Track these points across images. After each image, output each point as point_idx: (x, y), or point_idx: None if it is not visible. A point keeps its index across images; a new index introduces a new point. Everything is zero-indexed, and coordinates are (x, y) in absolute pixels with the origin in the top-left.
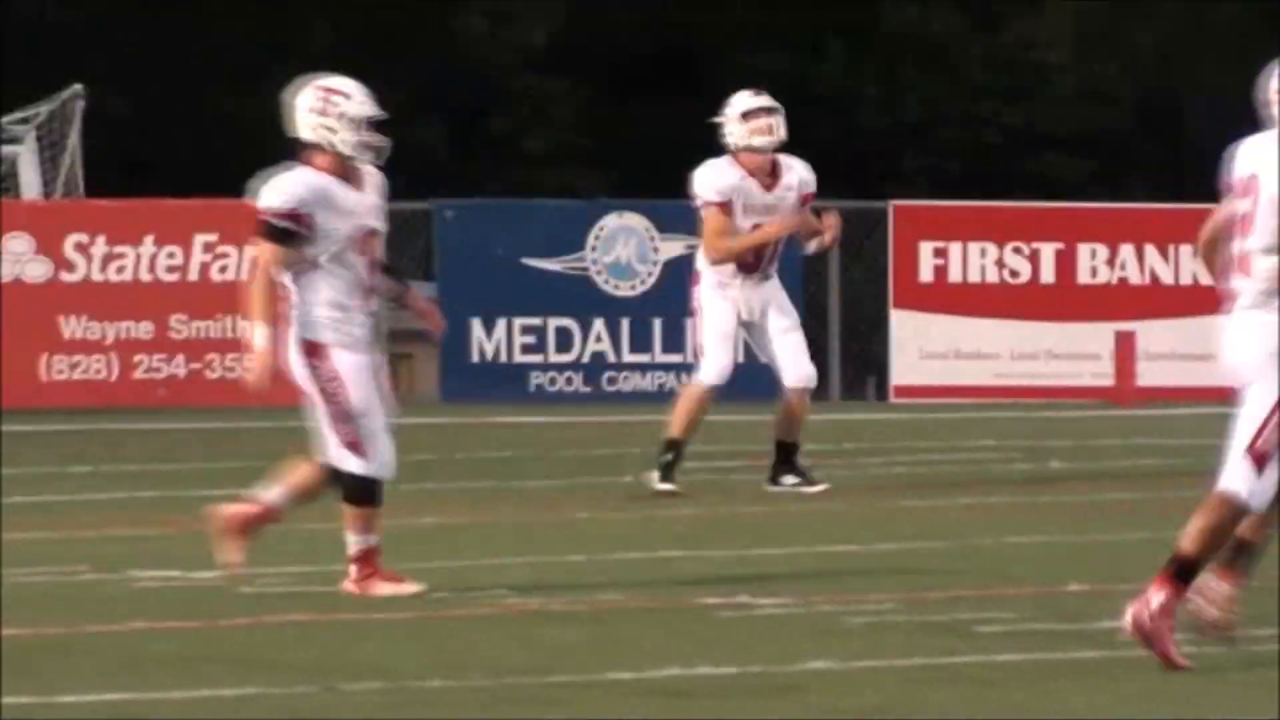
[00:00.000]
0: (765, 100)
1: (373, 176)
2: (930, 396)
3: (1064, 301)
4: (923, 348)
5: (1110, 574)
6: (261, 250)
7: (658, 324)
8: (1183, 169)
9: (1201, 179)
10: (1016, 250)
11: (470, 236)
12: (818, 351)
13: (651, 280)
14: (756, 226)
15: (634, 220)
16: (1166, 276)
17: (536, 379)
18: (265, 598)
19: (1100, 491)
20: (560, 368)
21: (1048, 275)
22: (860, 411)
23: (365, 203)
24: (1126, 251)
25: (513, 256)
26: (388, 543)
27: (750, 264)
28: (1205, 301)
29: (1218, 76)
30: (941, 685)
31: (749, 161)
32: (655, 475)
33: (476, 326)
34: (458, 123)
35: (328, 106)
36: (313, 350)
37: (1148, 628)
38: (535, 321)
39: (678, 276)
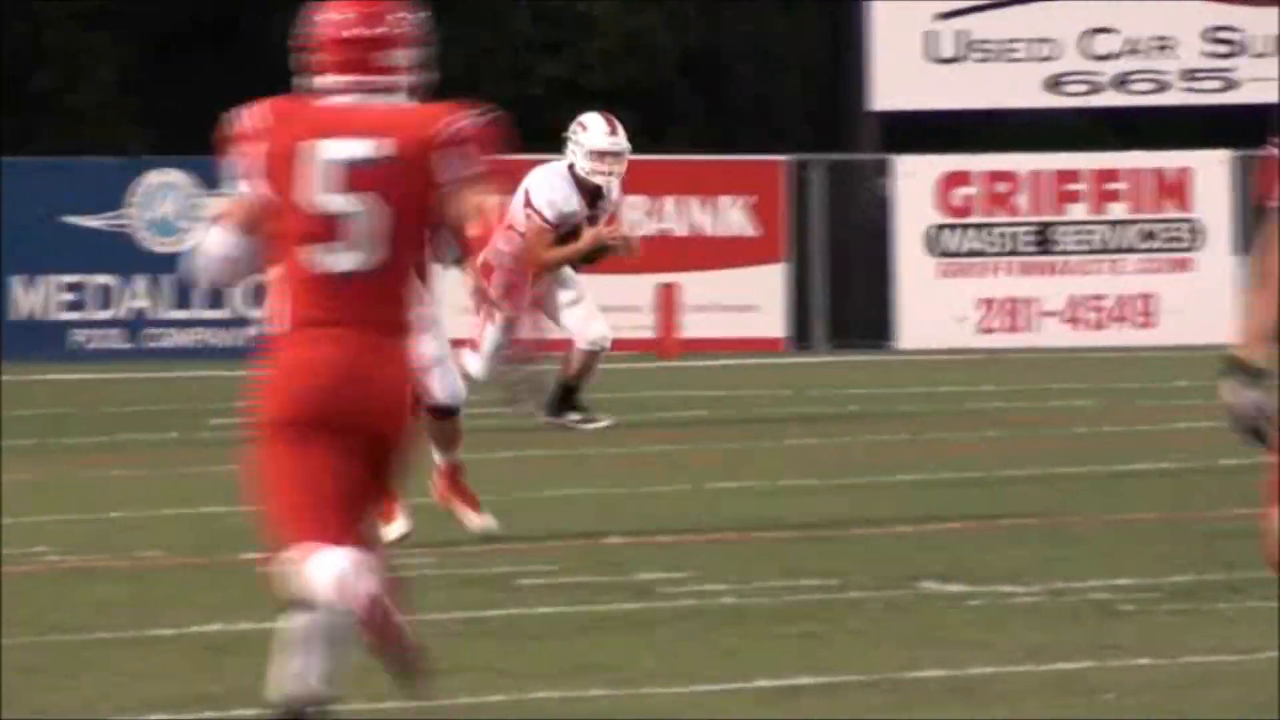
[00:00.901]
0: (618, 144)
1: None
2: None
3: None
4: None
5: (650, 525)
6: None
7: None
8: (726, 122)
9: (744, 132)
10: None
11: (9, 194)
12: None
13: (192, 237)
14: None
15: (175, 177)
16: (708, 228)
17: (77, 336)
18: None
19: (642, 444)
20: (101, 325)
21: None
22: None
23: None
24: (669, 204)
25: (53, 214)
26: None
27: None
28: (746, 253)
29: (761, 31)
30: (481, 639)
31: (582, 183)
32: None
33: (16, 284)
34: None
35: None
36: None
37: None
38: (76, 279)
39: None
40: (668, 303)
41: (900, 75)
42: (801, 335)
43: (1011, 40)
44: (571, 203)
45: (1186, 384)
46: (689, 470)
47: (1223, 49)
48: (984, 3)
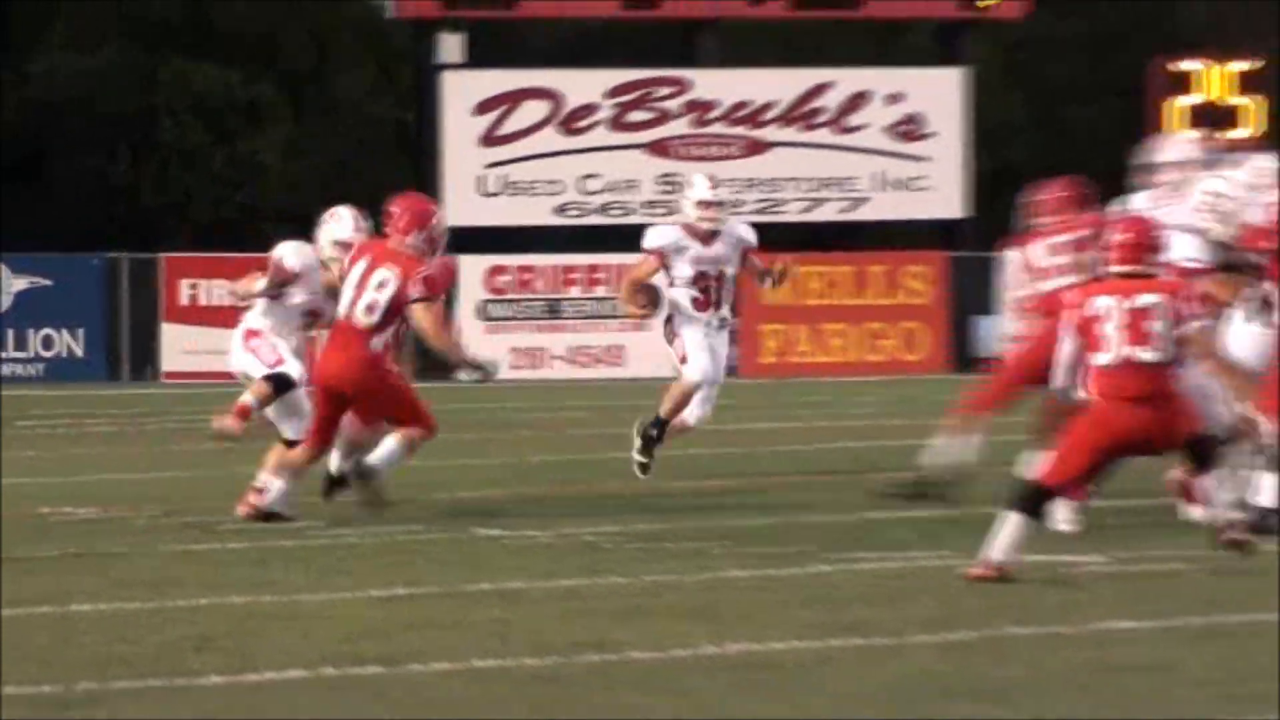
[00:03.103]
0: (714, 195)
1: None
2: None
3: None
4: None
5: None
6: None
7: None
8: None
9: None
10: None
11: None
12: None
13: None
14: (703, 273)
15: None
16: None
17: None
18: None
19: None
20: None
21: None
22: None
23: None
24: None
25: None
26: None
27: (702, 301)
28: None
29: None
30: None
31: (692, 229)
32: (638, 444)
33: None
34: None
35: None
36: None
37: None
38: None
39: None
40: None
41: (462, 201)
42: None
43: (533, 181)
44: (670, 235)
45: (637, 404)
46: None
47: (669, 188)
48: (515, 158)
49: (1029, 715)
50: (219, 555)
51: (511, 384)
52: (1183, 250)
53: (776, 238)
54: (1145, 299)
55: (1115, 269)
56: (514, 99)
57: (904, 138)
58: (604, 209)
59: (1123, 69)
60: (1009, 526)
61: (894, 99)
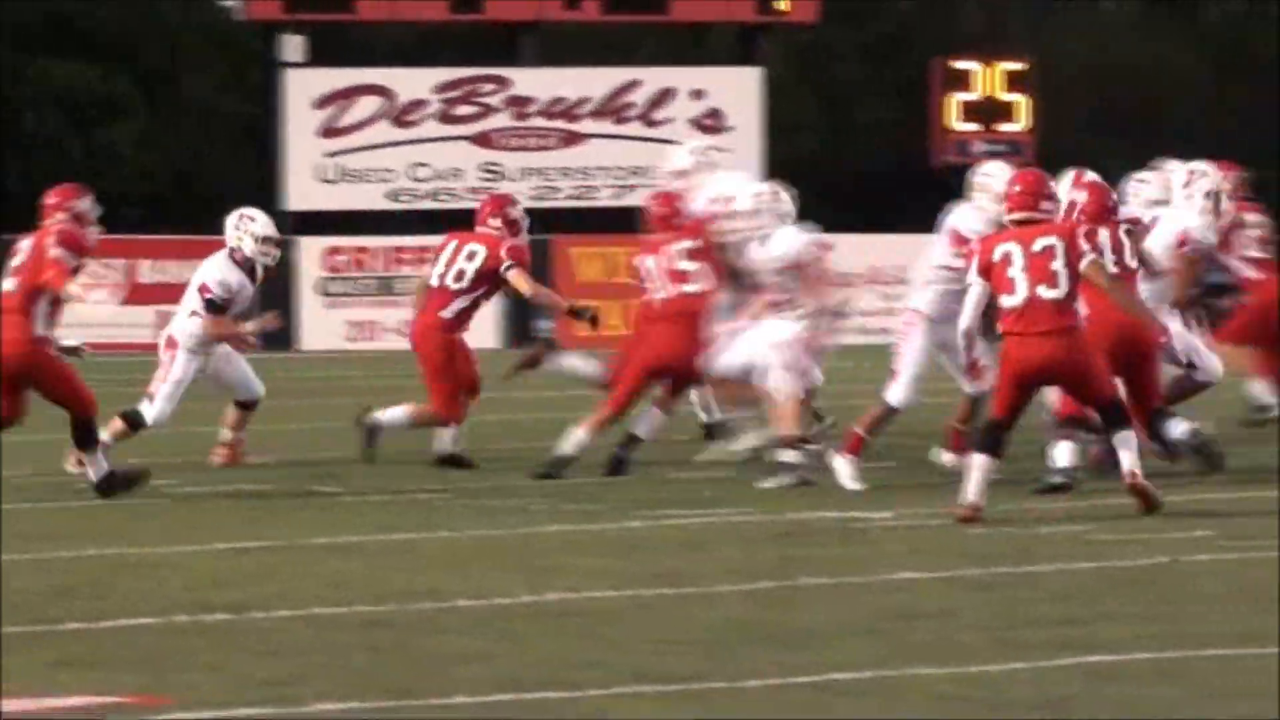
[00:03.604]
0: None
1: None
2: None
3: None
4: None
5: None
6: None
7: None
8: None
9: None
10: None
11: None
12: None
13: None
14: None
15: None
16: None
17: None
18: None
19: None
20: None
21: None
22: None
23: None
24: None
25: None
26: None
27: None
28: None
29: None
30: None
31: None
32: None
33: None
34: None
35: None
36: None
37: None
38: None
39: None
40: None
41: (303, 188)
42: None
43: (367, 170)
44: None
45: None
46: None
47: (491, 176)
48: (356, 148)
49: (824, 659)
50: (79, 510)
51: (347, 354)
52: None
53: (592, 222)
54: (1043, 241)
55: (1012, 216)
56: (351, 95)
57: (706, 130)
58: (433, 195)
59: (904, 69)
60: (977, 467)
61: (697, 95)
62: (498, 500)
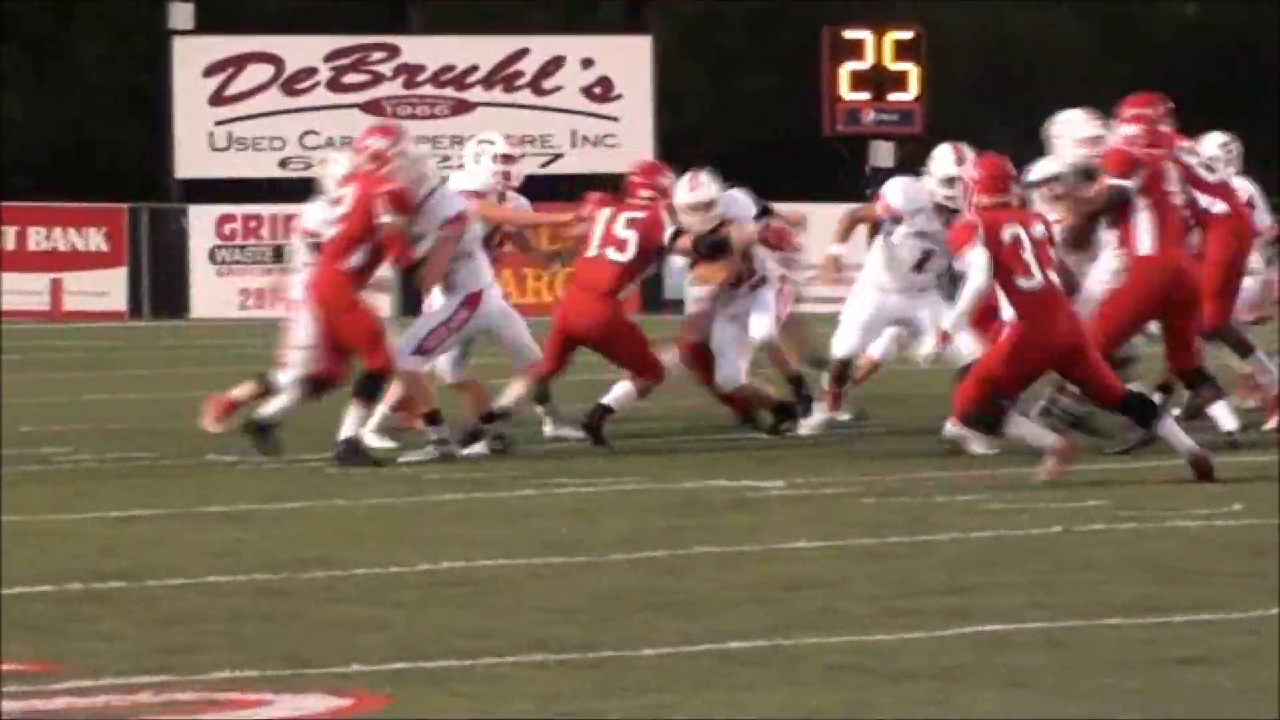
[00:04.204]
0: (511, 149)
1: None
2: None
3: None
4: None
5: None
6: None
7: None
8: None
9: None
10: None
11: None
12: None
13: None
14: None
15: None
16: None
17: None
18: None
19: None
20: None
21: None
22: None
23: None
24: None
25: None
26: None
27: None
28: (101, 261)
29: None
30: None
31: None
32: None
33: None
34: None
35: None
36: None
37: None
38: None
39: None
40: None
41: (193, 156)
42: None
43: (258, 137)
44: None
45: None
46: None
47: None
48: (246, 115)
49: (712, 627)
50: None
51: (240, 322)
52: None
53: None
54: (1039, 227)
55: (983, 201)
56: (240, 62)
57: (596, 99)
58: (324, 163)
59: (788, 40)
60: (1027, 426)
61: (587, 64)
62: (389, 469)
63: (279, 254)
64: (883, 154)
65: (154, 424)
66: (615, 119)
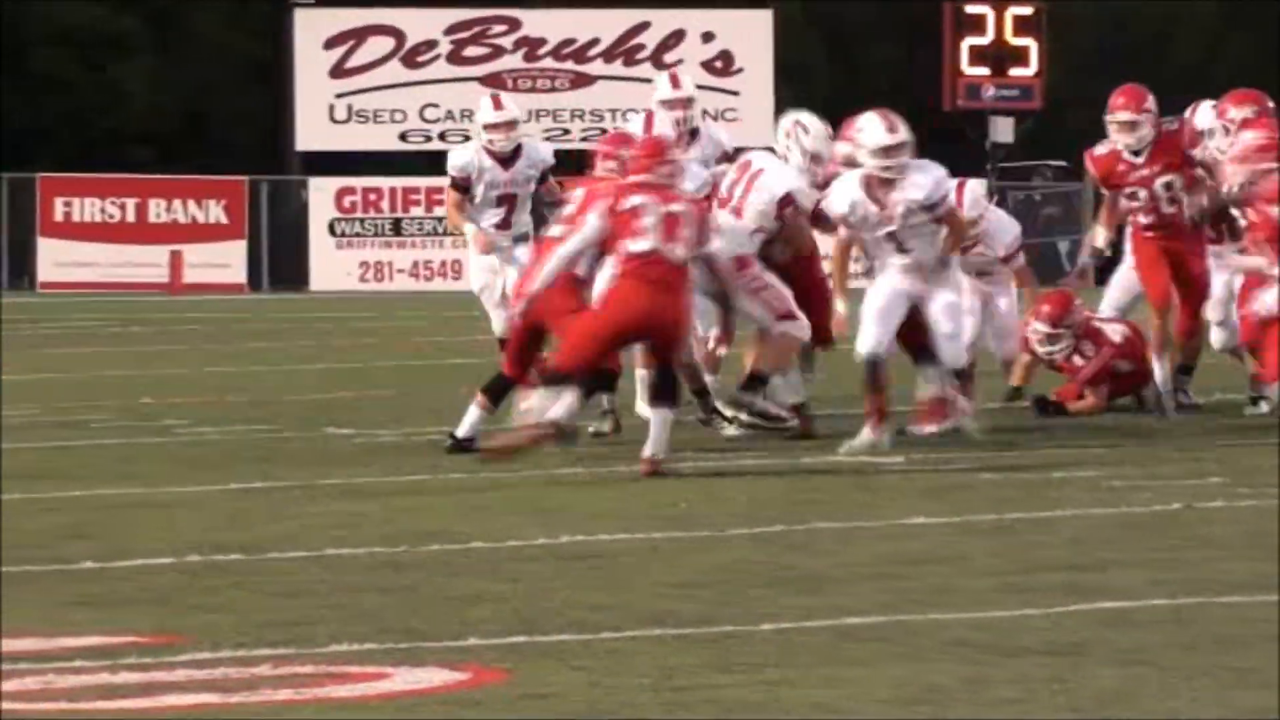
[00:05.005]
0: (501, 116)
1: None
2: None
3: None
4: None
5: None
6: None
7: None
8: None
9: (221, 162)
10: None
11: None
12: None
13: None
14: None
15: None
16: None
17: None
18: None
19: None
20: None
21: None
22: None
23: None
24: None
25: None
26: None
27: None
28: (223, 233)
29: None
30: None
31: (490, 151)
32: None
33: None
34: None
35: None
36: None
37: None
38: None
39: None
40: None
41: (313, 129)
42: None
43: (378, 110)
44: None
45: (473, 315)
46: None
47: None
48: (366, 88)
49: (830, 603)
50: (90, 450)
51: (359, 295)
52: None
53: None
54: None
55: (641, 178)
56: (360, 35)
57: (716, 73)
58: (443, 136)
59: (914, 12)
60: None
61: (708, 38)
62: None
63: (398, 227)
64: (1002, 129)
65: (273, 396)
66: (735, 93)
